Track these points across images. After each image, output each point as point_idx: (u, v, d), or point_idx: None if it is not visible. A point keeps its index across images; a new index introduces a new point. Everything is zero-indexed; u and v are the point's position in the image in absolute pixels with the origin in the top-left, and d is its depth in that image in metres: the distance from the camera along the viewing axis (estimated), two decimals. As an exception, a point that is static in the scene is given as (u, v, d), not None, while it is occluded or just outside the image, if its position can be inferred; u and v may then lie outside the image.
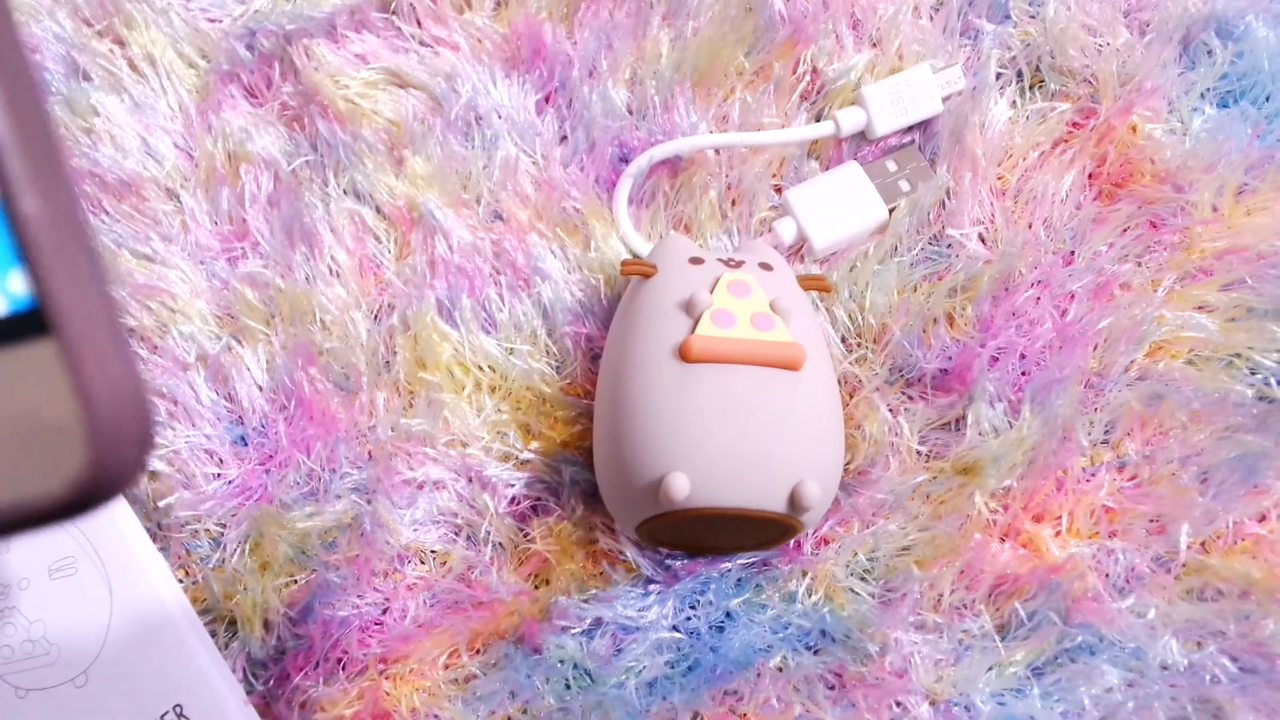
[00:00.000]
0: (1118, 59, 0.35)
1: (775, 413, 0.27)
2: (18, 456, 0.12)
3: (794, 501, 0.27)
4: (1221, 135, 0.34)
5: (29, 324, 0.12)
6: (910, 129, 0.36)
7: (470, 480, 0.32)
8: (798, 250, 0.34)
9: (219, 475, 0.32)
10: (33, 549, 0.31)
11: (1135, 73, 0.34)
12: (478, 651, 0.31)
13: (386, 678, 0.30)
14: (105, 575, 0.31)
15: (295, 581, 0.31)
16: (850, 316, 0.33)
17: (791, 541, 0.31)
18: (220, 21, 0.37)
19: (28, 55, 0.13)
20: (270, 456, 0.32)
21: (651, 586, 0.31)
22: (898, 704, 0.29)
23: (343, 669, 0.30)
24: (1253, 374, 0.32)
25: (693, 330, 0.28)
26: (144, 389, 0.13)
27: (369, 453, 0.32)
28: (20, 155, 0.12)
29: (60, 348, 0.12)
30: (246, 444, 0.32)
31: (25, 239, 0.12)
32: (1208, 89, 0.35)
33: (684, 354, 0.27)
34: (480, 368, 0.33)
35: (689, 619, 0.30)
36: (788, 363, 0.27)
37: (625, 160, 0.35)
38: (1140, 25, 0.36)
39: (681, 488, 0.26)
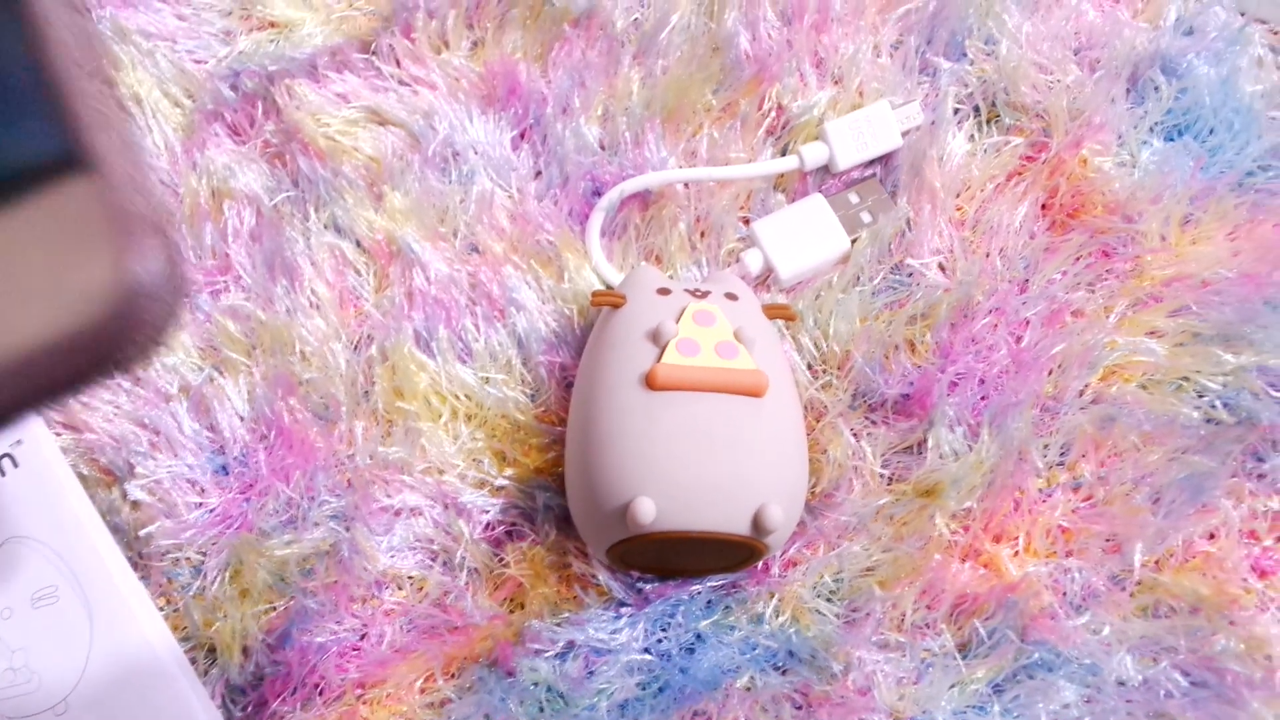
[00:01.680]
0: (1068, 95, 0.36)
1: (739, 438, 0.28)
2: (55, 293, 0.12)
3: (757, 524, 0.28)
4: (1168, 168, 0.35)
5: (63, 163, 0.12)
6: (871, 163, 0.37)
7: (446, 507, 0.32)
8: (765, 280, 0.36)
9: (200, 504, 0.33)
10: (16, 578, 0.31)
11: (1085, 108, 0.36)
12: (453, 675, 0.31)
13: (363, 702, 0.31)
14: (87, 604, 0.31)
15: (274, 608, 0.32)
16: (815, 344, 0.34)
17: (759, 564, 0.31)
18: (205, 62, 0.39)
19: None
20: (250, 485, 0.33)
21: (623, 609, 0.31)
22: (863, 722, 0.30)
23: (320, 694, 0.31)
24: (1200, 397, 0.33)
25: (659, 359, 0.29)
26: (171, 228, 0.13)
27: (347, 481, 0.33)
28: None
29: (97, 185, 0.12)
30: (227, 473, 0.33)
31: (51, 79, 0.12)
32: (1155, 123, 0.36)
33: (650, 382, 0.28)
34: (456, 396, 0.34)
35: (660, 641, 0.31)
36: (751, 389, 0.28)
37: (598, 194, 0.36)
38: (1090, 63, 0.37)
39: (648, 511, 0.27)
